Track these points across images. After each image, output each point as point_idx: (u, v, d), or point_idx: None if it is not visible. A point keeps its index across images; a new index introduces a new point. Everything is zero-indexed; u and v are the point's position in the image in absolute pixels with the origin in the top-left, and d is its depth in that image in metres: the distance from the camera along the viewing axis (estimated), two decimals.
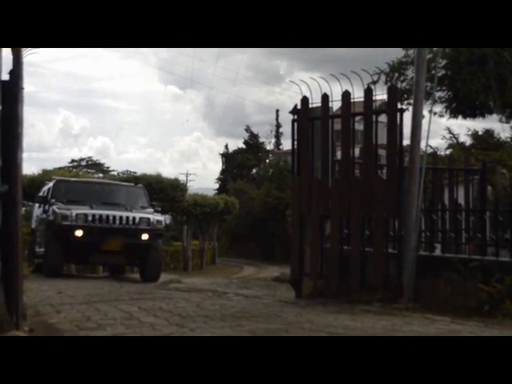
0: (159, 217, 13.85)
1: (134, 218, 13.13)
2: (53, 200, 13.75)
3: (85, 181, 17.51)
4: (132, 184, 17.32)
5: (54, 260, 12.82)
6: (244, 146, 66.12)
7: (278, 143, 68.13)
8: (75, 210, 12.82)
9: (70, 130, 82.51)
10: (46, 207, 13.98)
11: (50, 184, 15.07)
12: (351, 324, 5.96)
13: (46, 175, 23.65)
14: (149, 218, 13.30)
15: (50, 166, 36.93)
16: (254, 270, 31.94)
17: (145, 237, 13.07)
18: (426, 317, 6.46)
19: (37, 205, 15.80)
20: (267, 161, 62.82)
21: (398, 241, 7.75)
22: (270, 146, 67.63)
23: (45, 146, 75.36)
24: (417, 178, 7.66)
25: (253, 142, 65.94)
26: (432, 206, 8.73)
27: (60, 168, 25.16)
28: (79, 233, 12.61)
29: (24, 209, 20.86)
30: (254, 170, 63.30)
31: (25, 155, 5.67)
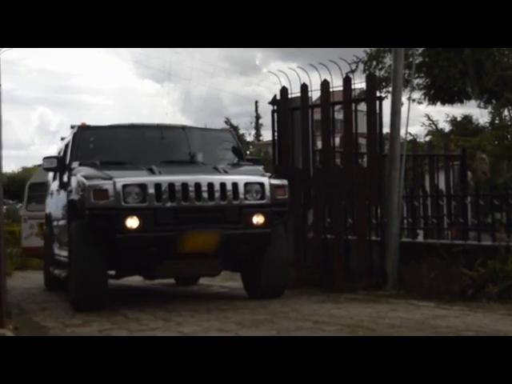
0: (277, 180, 7.28)
1: (234, 186, 6.86)
2: (75, 164, 7.51)
3: (128, 125, 8.39)
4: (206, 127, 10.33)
5: (86, 278, 6.54)
6: None
7: (258, 134, 67.98)
8: (121, 178, 6.64)
9: (48, 126, 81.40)
10: (65, 177, 7.91)
11: (68, 137, 8.36)
12: (337, 312, 5.99)
13: (26, 173, 23.50)
14: (262, 184, 7.04)
15: (29, 164, 36.67)
16: None
17: (258, 220, 6.90)
18: (411, 303, 6.50)
19: (50, 175, 9.56)
20: (248, 152, 62.79)
21: (381, 228, 7.79)
22: (250, 138, 67.49)
23: (23, 143, 74.45)
24: (397, 165, 7.69)
25: None
26: (413, 192, 8.78)
27: (40, 165, 24.77)
28: (133, 222, 6.49)
29: (5, 207, 20.74)
30: None
31: (3, 153, 5.62)
